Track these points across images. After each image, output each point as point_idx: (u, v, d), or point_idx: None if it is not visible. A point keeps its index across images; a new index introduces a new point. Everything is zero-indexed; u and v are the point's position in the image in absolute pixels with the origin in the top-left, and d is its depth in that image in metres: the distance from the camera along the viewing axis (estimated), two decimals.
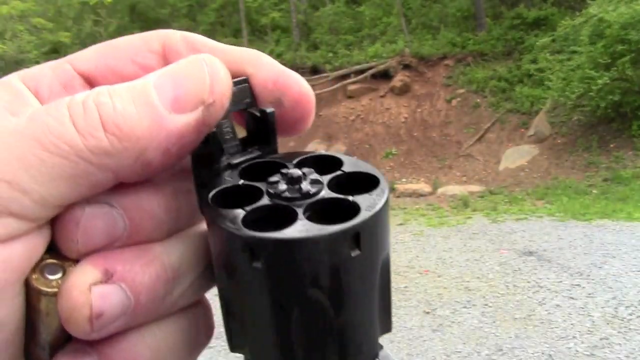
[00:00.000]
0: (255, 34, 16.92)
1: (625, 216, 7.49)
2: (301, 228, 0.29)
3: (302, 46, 16.02)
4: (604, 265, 5.25)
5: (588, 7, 11.04)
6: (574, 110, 11.48)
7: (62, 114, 0.20)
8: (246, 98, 0.38)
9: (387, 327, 0.36)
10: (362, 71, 14.69)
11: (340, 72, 14.75)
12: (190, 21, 17.53)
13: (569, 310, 4.29)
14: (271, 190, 0.32)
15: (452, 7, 16.10)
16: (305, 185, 0.31)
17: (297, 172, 0.32)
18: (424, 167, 12.71)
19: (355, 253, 0.30)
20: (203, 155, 0.35)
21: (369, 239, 0.30)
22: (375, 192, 0.32)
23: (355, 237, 0.30)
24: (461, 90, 14.07)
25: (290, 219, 0.30)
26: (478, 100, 13.71)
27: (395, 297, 4.84)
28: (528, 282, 5.02)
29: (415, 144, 13.44)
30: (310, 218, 0.31)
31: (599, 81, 9.99)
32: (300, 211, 0.31)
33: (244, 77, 0.37)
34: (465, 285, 5.05)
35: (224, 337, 0.34)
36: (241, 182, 0.34)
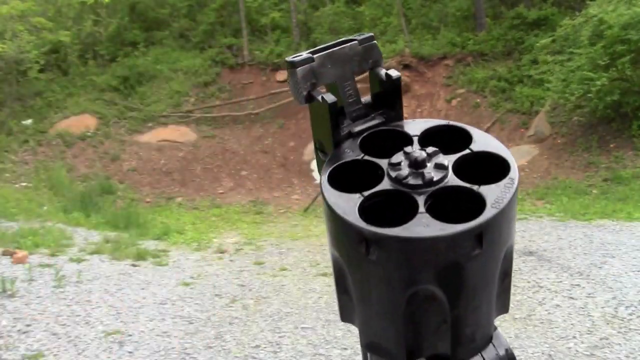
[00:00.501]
0: (255, 34, 16.91)
1: (625, 216, 7.49)
2: (421, 225, 0.28)
3: (302, 46, 16.01)
4: (604, 265, 5.25)
5: (588, 7, 11.04)
6: (574, 110, 11.47)
7: None
8: (372, 57, 0.36)
9: (504, 308, 0.34)
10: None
11: None
12: (190, 21, 17.53)
13: (569, 310, 4.29)
14: (392, 174, 0.30)
15: (452, 7, 16.09)
16: (428, 171, 0.30)
17: (421, 154, 0.29)
18: None
19: (476, 252, 0.28)
20: (323, 116, 0.33)
21: (492, 236, 0.29)
22: (503, 183, 0.29)
23: (478, 236, 0.28)
24: (461, 90, 14.07)
25: (411, 209, 0.29)
26: (478, 100, 13.71)
27: None
28: (528, 282, 5.02)
29: None
30: (431, 207, 0.29)
31: (598, 82, 9.99)
32: (421, 201, 0.29)
33: (370, 34, 0.35)
34: None
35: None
36: (361, 156, 0.32)
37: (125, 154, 13.01)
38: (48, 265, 5.63)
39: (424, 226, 0.27)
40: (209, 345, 4.01)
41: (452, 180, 0.30)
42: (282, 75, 15.72)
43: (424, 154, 0.30)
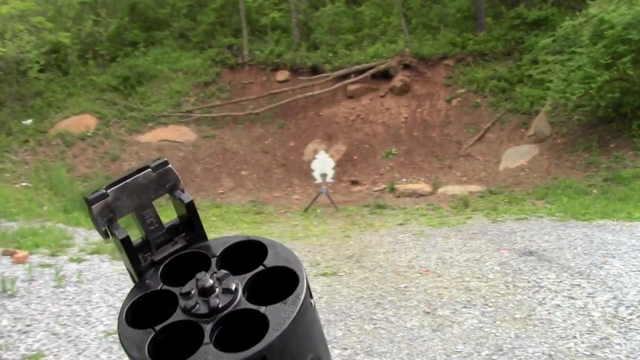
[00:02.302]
0: (255, 34, 16.91)
1: (625, 216, 7.49)
2: (203, 358, 0.28)
3: (302, 46, 16.01)
4: (604, 265, 5.25)
5: (588, 7, 11.04)
6: (574, 110, 11.48)
7: None
8: (168, 182, 0.35)
9: None
10: (362, 71, 14.68)
11: (340, 72, 14.75)
12: (190, 21, 17.53)
13: (569, 310, 4.29)
14: (182, 304, 0.30)
15: (452, 7, 16.09)
16: (214, 298, 0.29)
17: (208, 281, 0.30)
18: (424, 167, 12.70)
19: None
20: (131, 249, 0.33)
21: (281, 356, 0.29)
22: (290, 299, 0.30)
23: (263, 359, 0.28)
24: (461, 90, 14.07)
25: (198, 340, 0.29)
26: (478, 100, 13.71)
27: (395, 297, 4.84)
28: (528, 282, 5.02)
29: (415, 144, 13.43)
30: (220, 334, 0.29)
31: (599, 78, 9.99)
32: (207, 330, 0.29)
33: (164, 159, 0.35)
34: (465, 285, 5.05)
35: None
36: (160, 286, 0.32)
37: (125, 154, 13.01)
38: (48, 265, 5.63)
39: (205, 359, 0.27)
40: None
41: (241, 303, 0.30)
42: (282, 75, 15.71)
43: (210, 281, 0.30)
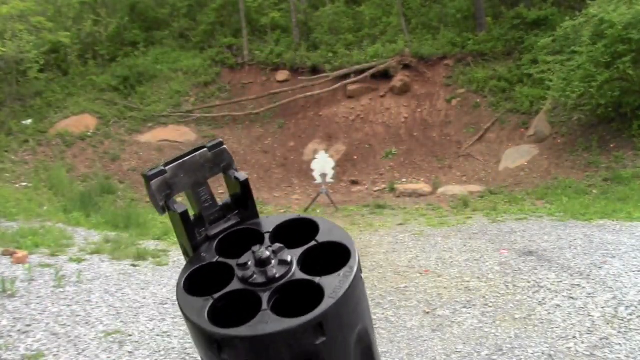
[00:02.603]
0: (255, 34, 16.90)
1: (625, 216, 7.49)
2: (262, 322, 0.29)
3: (302, 46, 16.01)
4: (604, 265, 5.25)
5: (588, 7, 11.04)
6: (574, 110, 11.48)
7: None
8: (223, 162, 0.37)
9: None
10: (362, 71, 14.68)
11: (340, 72, 14.75)
12: (190, 21, 17.52)
13: (569, 310, 4.29)
14: (239, 274, 0.32)
15: (452, 7, 16.09)
16: (271, 269, 0.31)
17: (265, 253, 0.31)
18: (424, 167, 12.70)
19: (320, 340, 0.30)
20: (178, 224, 0.34)
21: (334, 324, 0.30)
22: (343, 272, 0.31)
23: (319, 326, 0.30)
24: (461, 90, 14.07)
25: (257, 307, 0.31)
26: (478, 100, 13.71)
27: (395, 297, 4.83)
28: (528, 282, 5.02)
29: (415, 144, 13.43)
30: (277, 302, 0.31)
31: (599, 77, 9.99)
32: (265, 298, 0.31)
33: (219, 140, 0.36)
34: (465, 285, 5.05)
35: None
36: (216, 258, 0.34)
37: (125, 154, 13.01)
38: (48, 265, 5.63)
39: (265, 323, 0.29)
40: None
41: (296, 274, 0.32)
42: (282, 75, 15.71)
43: (267, 253, 0.32)
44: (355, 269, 0.31)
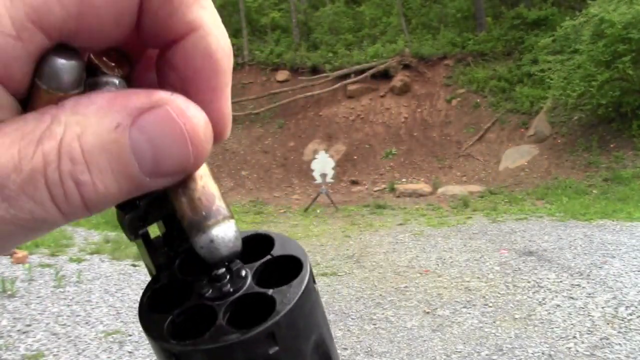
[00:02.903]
0: (255, 34, 16.91)
1: (625, 216, 7.49)
2: (218, 335, 0.30)
3: (302, 46, 16.02)
4: (604, 265, 5.25)
5: (588, 7, 11.04)
6: (574, 109, 11.48)
7: (42, 196, 0.19)
8: None
9: None
10: (362, 71, 14.69)
11: (340, 72, 14.75)
12: None
13: (569, 310, 4.29)
14: (197, 291, 0.33)
15: (452, 7, 16.10)
16: (225, 284, 0.32)
17: (220, 270, 0.32)
18: (424, 167, 12.71)
19: (273, 349, 0.31)
20: (148, 245, 0.36)
21: (288, 332, 0.31)
22: (294, 282, 0.33)
23: (271, 335, 0.31)
24: (461, 90, 14.08)
25: (212, 321, 0.32)
26: (478, 100, 13.71)
27: (395, 297, 4.83)
28: (528, 282, 5.02)
29: (415, 144, 13.44)
30: (232, 316, 0.32)
31: (600, 77, 9.99)
32: (220, 312, 0.32)
33: (269, 258, 0.38)
34: (465, 285, 5.05)
35: None
36: (178, 277, 0.35)
37: None
38: (48, 265, 5.63)
39: (219, 335, 0.30)
40: None
41: (250, 288, 0.33)
42: (282, 75, 15.72)
43: (222, 269, 0.33)
44: (306, 280, 0.33)
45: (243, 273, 0.34)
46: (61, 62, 0.21)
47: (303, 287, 0.32)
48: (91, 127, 0.19)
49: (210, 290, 0.33)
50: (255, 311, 0.32)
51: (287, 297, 0.32)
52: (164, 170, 0.21)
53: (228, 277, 0.33)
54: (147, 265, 0.36)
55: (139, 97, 0.20)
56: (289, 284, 0.33)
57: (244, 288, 0.33)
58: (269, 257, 0.36)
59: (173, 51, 0.22)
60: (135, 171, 0.20)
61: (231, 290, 0.33)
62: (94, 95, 0.20)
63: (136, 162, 0.20)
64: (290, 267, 0.35)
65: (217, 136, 0.23)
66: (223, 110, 0.23)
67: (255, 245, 0.37)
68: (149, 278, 0.38)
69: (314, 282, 0.34)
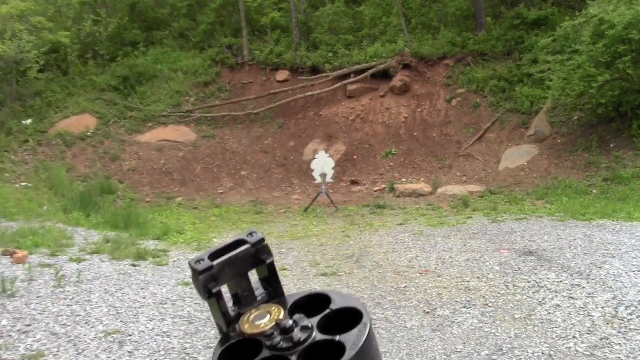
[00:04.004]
0: (255, 34, 16.91)
1: (625, 216, 7.49)
2: None
3: (302, 46, 16.01)
4: (604, 265, 5.25)
5: (588, 7, 11.04)
6: (574, 110, 11.48)
7: None
8: (262, 256, 0.41)
9: None
10: (362, 71, 14.68)
11: (340, 72, 14.75)
12: (190, 21, 17.52)
13: (569, 310, 4.29)
14: (268, 343, 0.36)
15: (452, 7, 16.10)
16: (296, 334, 0.35)
17: (288, 322, 0.36)
18: (424, 167, 12.70)
19: None
20: (220, 304, 0.39)
21: None
22: (358, 328, 0.37)
23: None
24: (461, 90, 14.07)
25: None
26: (478, 100, 13.71)
27: (395, 297, 4.83)
28: (528, 282, 5.02)
29: (415, 144, 13.44)
30: None
31: (600, 78, 9.98)
32: (294, 358, 0.36)
33: (261, 237, 0.41)
34: (465, 285, 5.05)
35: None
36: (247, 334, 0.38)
37: (125, 154, 13.01)
38: (48, 265, 5.63)
39: None
40: (209, 345, 4.01)
41: (318, 336, 0.36)
42: (282, 75, 15.71)
43: (290, 322, 0.37)
44: (369, 324, 0.37)
45: (309, 324, 0.37)
46: None
47: (367, 330, 0.36)
48: None
49: (282, 342, 0.36)
50: (325, 356, 0.36)
51: (354, 340, 0.36)
52: None
53: (296, 329, 0.37)
54: (217, 323, 0.39)
55: None
56: (354, 330, 0.36)
57: (312, 336, 0.37)
58: (328, 310, 0.39)
59: None
60: None
61: (302, 339, 0.36)
62: None
63: None
64: (349, 317, 0.38)
65: None
66: None
67: (315, 302, 0.41)
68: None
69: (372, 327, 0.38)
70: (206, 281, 0.39)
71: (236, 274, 0.40)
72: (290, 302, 0.42)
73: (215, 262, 0.39)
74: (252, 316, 0.40)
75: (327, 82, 14.73)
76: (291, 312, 0.41)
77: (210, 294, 0.38)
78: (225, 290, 0.39)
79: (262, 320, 0.39)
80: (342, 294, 0.40)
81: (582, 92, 10.42)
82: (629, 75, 10.23)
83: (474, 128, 13.19)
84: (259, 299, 0.42)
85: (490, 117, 13.21)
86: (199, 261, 0.40)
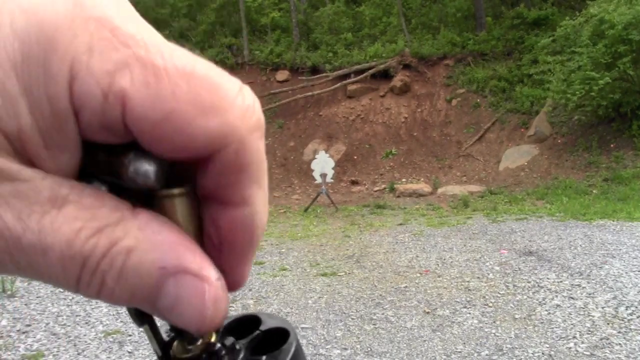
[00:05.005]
0: (255, 34, 16.91)
1: (625, 216, 7.49)
2: None
3: (302, 46, 16.01)
4: (604, 265, 5.25)
5: (588, 7, 11.04)
6: (575, 110, 11.49)
7: (72, 273, 0.21)
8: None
9: None
10: (362, 71, 14.68)
11: (340, 72, 14.75)
12: (190, 21, 17.53)
13: (569, 310, 4.29)
14: None
15: (452, 7, 16.10)
16: (223, 357, 0.37)
17: (216, 345, 0.37)
18: (424, 167, 12.71)
19: None
20: (155, 331, 0.41)
21: None
22: (284, 347, 0.38)
23: None
24: (461, 90, 14.07)
25: None
26: (478, 100, 13.71)
27: (395, 297, 4.83)
28: (528, 282, 5.02)
29: (415, 144, 13.44)
30: None
31: (601, 81, 9.98)
32: None
33: (258, 332, 0.45)
34: (465, 285, 5.05)
35: None
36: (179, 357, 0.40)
37: None
38: None
39: None
40: None
41: (245, 358, 0.38)
42: (282, 75, 15.71)
43: (218, 345, 0.38)
44: (294, 343, 0.38)
45: (237, 346, 0.38)
46: (148, 162, 0.23)
47: (292, 350, 0.38)
48: (142, 252, 0.22)
49: None
50: None
51: (281, 358, 0.37)
52: (174, 321, 0.24)
53: (224, 352, 0.38)
54: (154, 349, 0.41)
55: (194, 260, 0.23)
56: (280, 349, 0.38)
57: (239, 358, 0.37)
58: (257, 332, 0.41)
59: (219, 212, 0.24)
60: (150, 306, 0.24)
61: None
62: (166, 228, 0.23)
63: (155, 301, 0.23)
64: (278, 337, 0.40)
65: (231, 289, 0.27)
66: (244, 274, 0.27)
67: (245, 324, 0.42)
68: None
69: (300, 347, 0.40)
70: (137, 309, 0.41)
71: None
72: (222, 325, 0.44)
73: None
74: (185, 341, 0.42)
75: (327, 82, 14.73)
76: (223, 335, 0.43)
77: (142, 321, 0.40)
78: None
79: (192, 345, 0.41)
80: (272, 314, 0.43)
81: (583, 94, 10.42)
82: (629, 76, 10.23)
83: (474, 128, 13.18)
84: None
85: (490, 117, 13.21)
86: None
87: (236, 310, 4.76)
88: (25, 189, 0.20)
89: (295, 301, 4.87)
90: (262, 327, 0.41)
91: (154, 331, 0.41)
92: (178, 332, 0.40)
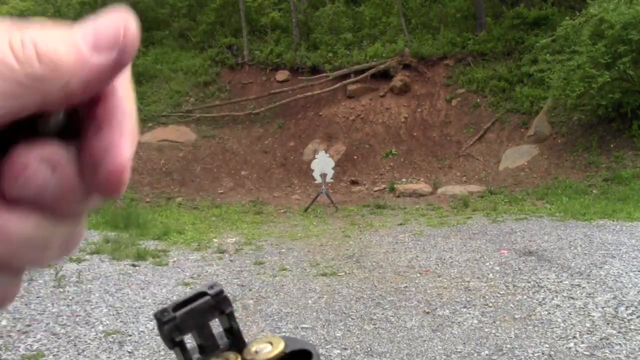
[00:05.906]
0: (255, 34, 16.91)
1: (625, 216, 7.49)
2: None
3: (302, 46, 16.01)
4: (604, 265, 5.25)
5: (588, 7, 11.04)
6: (574, 109, 11.49)
7: (4, 48, 0.25)
8: (223, 307, 0.47)
9: None
10: (362, 71, 14.69)
11: (340, 72, 14.75)
12: (190, 21, 17.53)
13: (569, 310, 4.29)
14: None
15: (452, 7, 16.10)
16: None
17: None
18: (424, 167, 12.71)
19: None
20: (184, 352, 0.44)
21: None
22: None
23: None
24: (461, 90, 14.08)
25: None
26: (478, 100, 13.71)
27: (395, 297, 4.83)
28: (528, 282, 5.02)
29: (415, 144, 13.44)
30: None
31: (600, 79, 9.99)
32: None
33: (221, 289, 0.46)
34: (465, 285, 5.05)
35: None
36: None
37: None
38: (48, 265, 5.62)
39: None
40: None
41: None
42: (282, 75, 15.72)
43: None
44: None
45: None
46: None
47: None
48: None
49: None
50: None
51: None
52: (101, 44, 0.28)
53: None
54: None
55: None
56: None
57: None
58: (282, 354, 0.43)
59: (97, 106, 0.30)
60: (79, 42, 0.27)
61: None
62: None
63: (80, 36, 0.27)
64: (304, 356, 0.43)
65: (117, 177, 0.28)
66: (124, 154, 0.29)
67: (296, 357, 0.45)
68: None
69: None
70: (170, 331, 0.44)
71: (198, 324, 0.45)
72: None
73: (178, 313, 0.44)
74: None
75: (327, 82, 14.73)
76: None
77: (174, 343, 0.43)
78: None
79: None
80: (296, 338, 0.45)
81: (582, 92, 10.42)
82: (629, 76, 10.23)
83: (473, 128, 13.19)
84: (221, 347, 0.47)
85: (490, 117, 13.21)
86: (163, 312, 0.45)
87: (236, 310, 4.76)
88: None
89: (295, 301, 4.87)
90: (286, 349, 0.43)
91: (184, 353, 0.43)
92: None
